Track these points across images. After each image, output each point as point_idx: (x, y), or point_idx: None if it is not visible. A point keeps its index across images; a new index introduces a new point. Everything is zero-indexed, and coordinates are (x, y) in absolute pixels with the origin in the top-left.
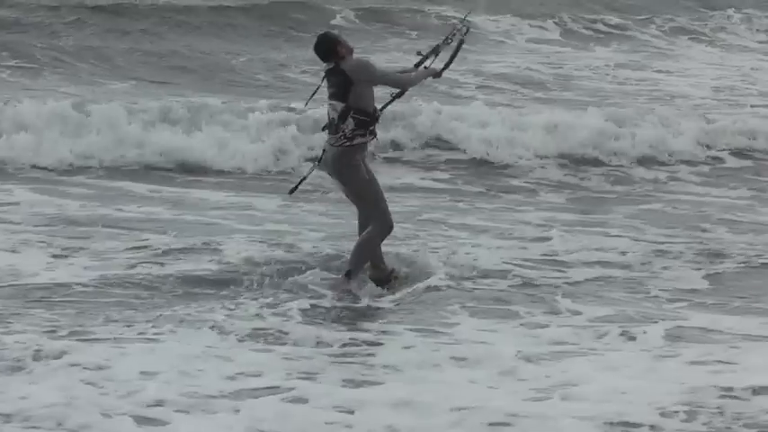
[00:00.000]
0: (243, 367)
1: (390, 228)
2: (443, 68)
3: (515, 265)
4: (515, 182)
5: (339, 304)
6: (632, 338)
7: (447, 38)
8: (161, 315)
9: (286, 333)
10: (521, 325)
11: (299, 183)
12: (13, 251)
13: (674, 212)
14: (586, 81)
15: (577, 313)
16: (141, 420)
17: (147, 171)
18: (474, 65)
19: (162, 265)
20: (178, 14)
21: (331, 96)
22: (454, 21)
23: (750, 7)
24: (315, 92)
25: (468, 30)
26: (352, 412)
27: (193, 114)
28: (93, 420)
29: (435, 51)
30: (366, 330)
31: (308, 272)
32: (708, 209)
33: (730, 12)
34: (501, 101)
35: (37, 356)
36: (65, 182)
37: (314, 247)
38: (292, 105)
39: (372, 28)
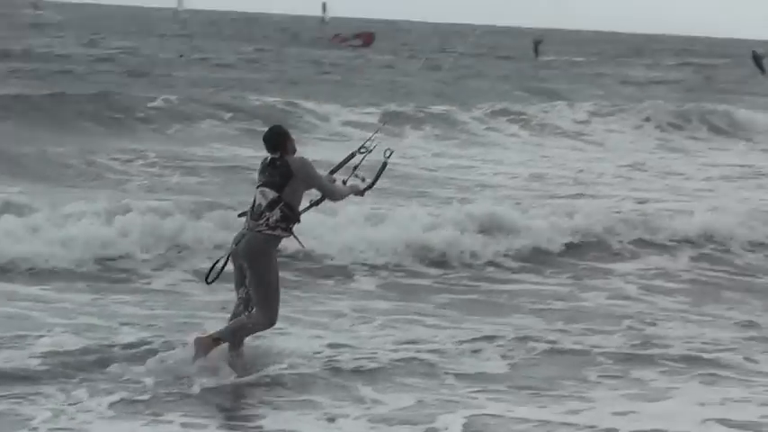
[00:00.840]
0: None
1: (272, 324)
2: (367, 188)
3: (324, 354)
4: (330, 269)
5: (160, 392)
6: (434, 430)
7: (362, 146)
8: None
9: (95, 428)
10: (324, 415)
11: (217, 272)
12: None
13: (488, 301)
14: (401, 167)
15: (379, 402)
16: None
17: None
18: None
19: None
20: None
21: (264, 185)
22: (373, 134)
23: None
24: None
25: (391, 153)
26: None
27: (4, 206)
28: None
29: (350, 158)
30: (172, 422)
31: (122, 364)
32: (523, 297)
33: (560, 103)
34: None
35: None
36: None
37: (128, 339)
38: (102, 198)
39: (188, 109)
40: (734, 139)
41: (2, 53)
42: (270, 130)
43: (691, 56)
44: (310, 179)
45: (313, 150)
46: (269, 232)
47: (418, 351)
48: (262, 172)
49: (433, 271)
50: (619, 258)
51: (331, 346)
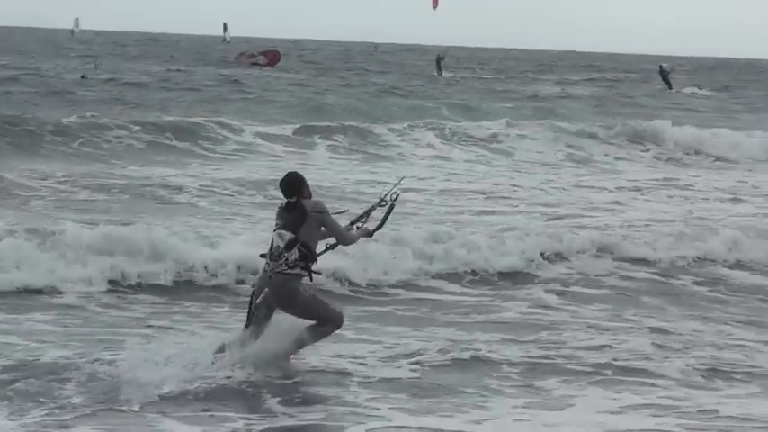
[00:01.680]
0: None
1: (342, 323)
2: (375, 229)
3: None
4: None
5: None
6: None
7: (381, 200)
8: None
9: None
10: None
11: (252, 313)
12: None
13: (404, 315)
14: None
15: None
16: None
17: None
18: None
19: None
20: None
21: (281, 227)
22: (388, 185)
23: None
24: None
25: (398, 196)
26: None
27: None
28: None
29: (370, 211)
30: None
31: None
32: (444, 309)
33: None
34: None
35: None
36: None
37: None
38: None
39: (97, 127)
40: (645, 152)
41: None
42: (286, 176)
43: (597, 71)
44: (324, 221)
45: (231, 165)
46: (289, 272)
47: (329, 363)
48: (279, 216)
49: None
50: (539, 268)
51: None
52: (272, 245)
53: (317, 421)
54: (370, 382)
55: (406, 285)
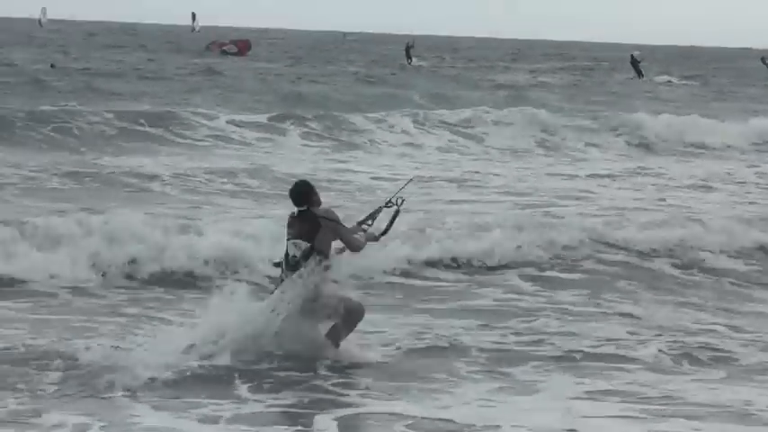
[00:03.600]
0: None
1: (363, 311)
2: (382, 234)
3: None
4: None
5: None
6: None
7: (389, 201)
8: None
9: None
10: (202, 414)
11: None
12: None
13: (380, 304)
14: (282, 169)
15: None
16: None
17: None
18: None
19: None
20: None
21: (295, 236)
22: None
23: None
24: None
25: (403, 201)
26: None
27: None
28: None
29: (377, 212)
30: None
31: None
32: (420, 295)
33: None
34: None
35: None
36: None
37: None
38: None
39: (72, 117)
40: (616, 140)
41: None
42: (295, 185)
43: (568, 60)
44: (336, 229)
45: (204, 150)
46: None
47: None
48: (291, 225)
49: None
50: (514, 255)
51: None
52: (287, 254)
53: (286, 408)
54: (340, 368)
55: (382, 272)
